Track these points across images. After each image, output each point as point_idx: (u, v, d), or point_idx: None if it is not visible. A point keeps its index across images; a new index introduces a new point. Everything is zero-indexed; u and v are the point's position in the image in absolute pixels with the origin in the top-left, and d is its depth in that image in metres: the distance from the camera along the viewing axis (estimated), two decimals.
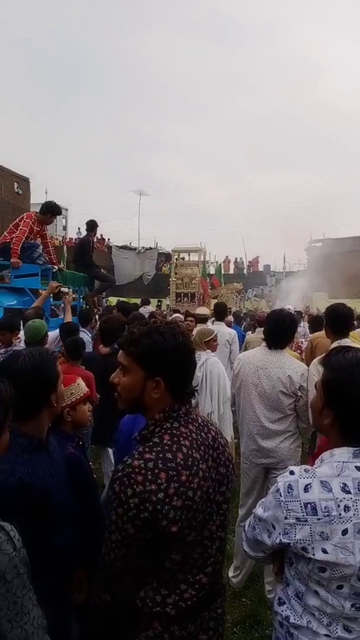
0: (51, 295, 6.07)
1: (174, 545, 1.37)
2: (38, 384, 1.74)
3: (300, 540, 1.42)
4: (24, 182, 22.22)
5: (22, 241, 6.15)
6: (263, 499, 1.60)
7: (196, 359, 5.09)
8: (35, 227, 6.42)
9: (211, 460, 1.51)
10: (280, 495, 1.47)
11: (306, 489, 1.45)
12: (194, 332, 6.32)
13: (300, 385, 3.26)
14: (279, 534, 1.47)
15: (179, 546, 1.37)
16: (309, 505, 1.42)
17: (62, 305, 6.54)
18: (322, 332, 5.39)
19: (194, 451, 1.44)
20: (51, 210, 6.63)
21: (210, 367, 4.68)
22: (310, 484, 1.45)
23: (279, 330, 3.45)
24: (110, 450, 4.48)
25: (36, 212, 6.64)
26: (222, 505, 1.55)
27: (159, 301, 18.58)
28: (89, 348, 5.39)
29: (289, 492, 1.46)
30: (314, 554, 1.40)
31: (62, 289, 6.29)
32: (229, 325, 7.75)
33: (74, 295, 7.26)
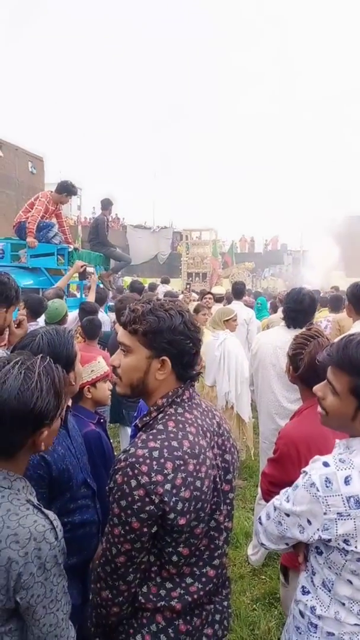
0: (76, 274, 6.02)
1: (181, 539, 1.29)
2: (57, 362, 1.71)
3: (342, 535, 1.35)
4: (39, 161, 22.14)
5: (38, 220, 6.12)
6: (288, 491, 1.51)
7: (215, 338, 5.04)
8: (50, 206, 6.38)
9: (217, 448, 1.44)
10: (318, 490, 1.37)
11: (346, 481, 1.35)
12: (213, 310, 6.28)
13: None
14: (317, 529, 1.39)
15: (186, 539, 1.30)
16: (352, 499, 1.34)
17: (88, 284, 6.50)
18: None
19: (200, 438, 1.36)
20: (67, 190, 6.57)
21: (229, 346, 4.66)
22: (349, 475, 1.36)
23: (298, 309, 3.36)
24: (129, 429, 4.51)
25: (51, 191, 6.58)
26: (229, 495, 1.47)
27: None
28: (106, 327, 5.38)
29: (327, 487, 1.36)
30: (356, 547, 1.34)
31: (87, 268, 6.22)
32: (249, 305, 7.63)
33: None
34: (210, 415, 1.48)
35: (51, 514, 1.28)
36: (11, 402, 1.20)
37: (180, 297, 9.55)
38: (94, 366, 2.37)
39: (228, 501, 1.46)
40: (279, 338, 3.38)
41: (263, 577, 3.41)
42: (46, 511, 1.28)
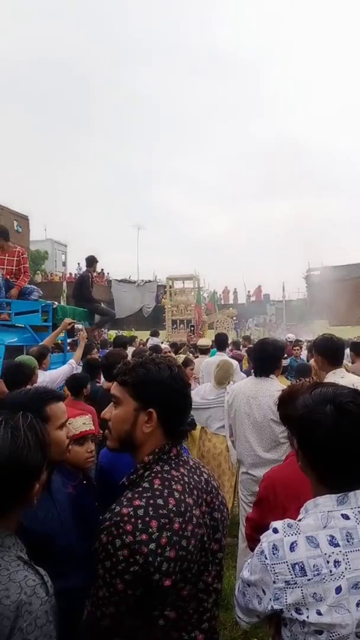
0: (64, 332, 6.05)
1: (167, 601, 1.25)
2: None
3: (292, 604, 1.27)
4: (24, 220, 22.58)
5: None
6: (249, 560, 1.43)
7: (224, 394, 4.83)
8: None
9: (205, 505, 1.42)
10: (266, 558, 1.31)
11: (292, 547, 1.29)
12: (201, 363, 6.33)
13: None
14: (270, 599, 1.31)
15: (173, 601, 1.26)
16: (296, 566, 1.27)
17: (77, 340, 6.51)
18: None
19: (186, 496, 1.35)
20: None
21: None
22: (295, 541, 1.30)
23: (263, 358, 3.56)
24: None
25: None
26: (218, 554, 1.43)
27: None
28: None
29: (274, 554, 1.31)
30: (308, 616, 1.26)
31: (76, 325, 6.27)
32: (234, 357, 7.49)
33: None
34: (198, 472, 1.49)
35: (41, 570, 1.26)
36: (3, 462, 1.22)
37: (164, 345, 9.53)
38: None
39: (217, 561, 1.43)
40: (250, 388, 3.54)
41: (255, 639, 3.29)
42: (37, 567, 1.26)
